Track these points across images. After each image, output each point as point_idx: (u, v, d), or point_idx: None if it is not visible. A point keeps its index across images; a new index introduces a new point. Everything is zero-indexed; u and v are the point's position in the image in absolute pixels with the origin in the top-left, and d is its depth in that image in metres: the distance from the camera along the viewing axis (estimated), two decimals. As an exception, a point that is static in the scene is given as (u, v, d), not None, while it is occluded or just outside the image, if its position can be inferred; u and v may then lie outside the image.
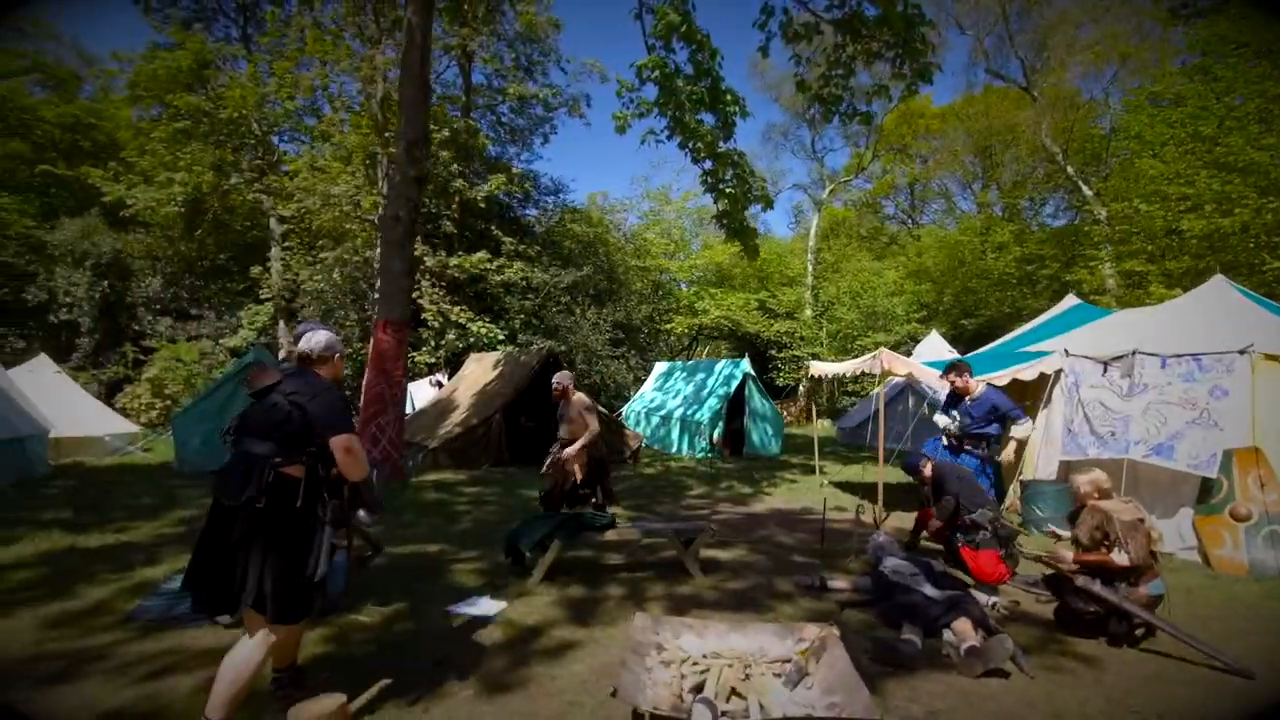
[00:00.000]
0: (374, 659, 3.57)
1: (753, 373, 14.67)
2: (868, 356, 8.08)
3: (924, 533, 5.87)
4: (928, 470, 5.71)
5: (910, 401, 14.91)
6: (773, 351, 25.03)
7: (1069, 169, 21.87)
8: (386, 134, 14.90)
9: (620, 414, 17.52)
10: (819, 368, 9.10)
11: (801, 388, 26.33)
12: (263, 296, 18.78)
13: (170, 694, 3.10)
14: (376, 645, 3.77)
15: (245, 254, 21.65)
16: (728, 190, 9.08)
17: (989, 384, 6.77)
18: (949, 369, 6.74)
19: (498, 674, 3.41)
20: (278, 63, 15.81)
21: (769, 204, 9.68)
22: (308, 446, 2.64)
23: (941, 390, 12.96)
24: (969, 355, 8.98)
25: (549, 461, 6.29)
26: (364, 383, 8.93)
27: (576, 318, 21.73)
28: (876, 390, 18.06)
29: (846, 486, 9.84)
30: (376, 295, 16.77)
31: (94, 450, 11.80)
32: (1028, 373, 7.19)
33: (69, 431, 11.29)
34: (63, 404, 11.53)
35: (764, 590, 4.79)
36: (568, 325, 21.45)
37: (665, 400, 16.79)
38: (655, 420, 16.43)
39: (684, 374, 17.22)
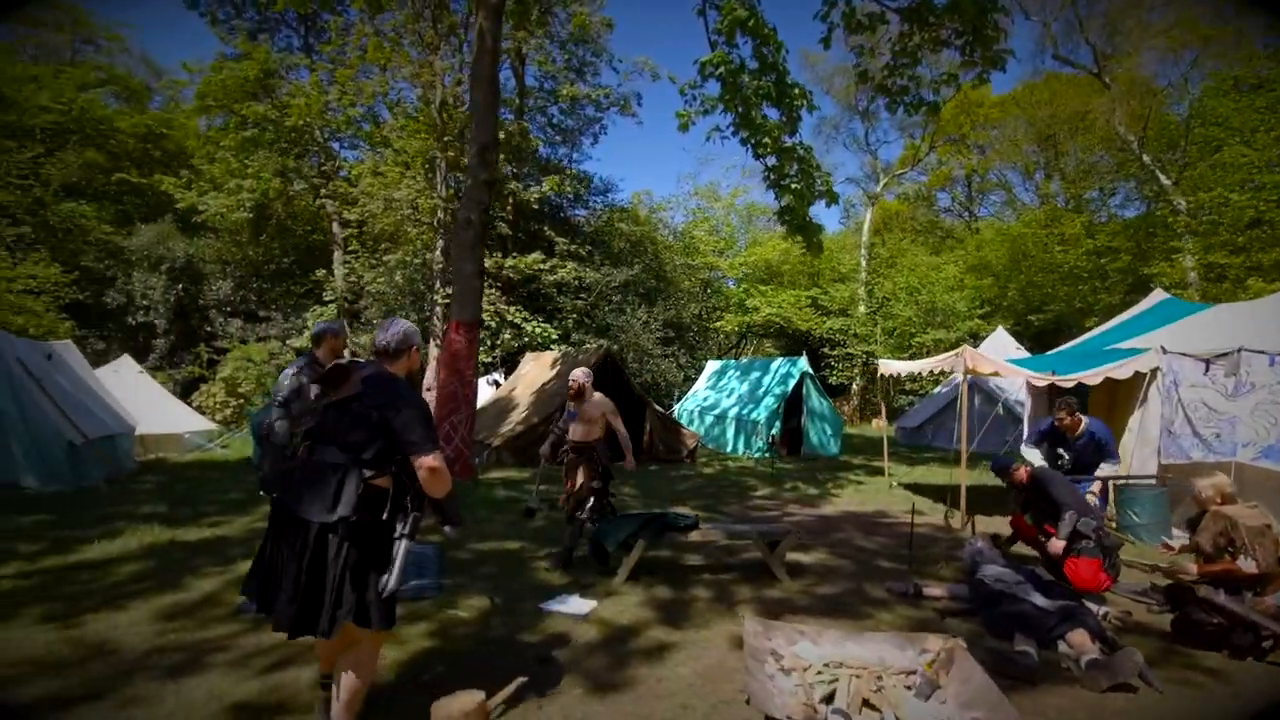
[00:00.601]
0: (479, 655, 3.62)
1: (811, 371, 14.45)
2: (949, 354, 7.84)
3: (1017, 540, 5.66)
4: (1021, 474, 5.48)
5: (976, 400, 14.47)
6: (824, 349, 24.61)
7: (1145, 157, 20.89)
8: (445, 138, 15.18)
9: (672, 412, 17.47)
10: (891, 366, 8.88)
11: (854, 386, 25.86)
12: (326, 298, 19.34)
13: (292, 686, 3.19)
14: (478, 641, 3.83)
15: (307, 257, 22.35)
16: (792, 186, 8.95)
17: (1089, 418, 6.49)
18: (1060, 408, 6.40)
19: (603, 673, 3.41)
20: (340, 70, 16.25)
21: (834, 199, 9.51)
22: (393, 458, 2.53)
23: (1017, 390, 12.59)
24: (1050, 354, 8.64)
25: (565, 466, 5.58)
26: (438, 382, 9.10)
27: (628, 316, 21.81)
28: (939, 389, 17.63)
29: (916, 489, 9.60)
30: (436, 297, 17.26)
31: (175, 447, 12.34)
32: (1122, 371, 6.87)
33: (152, 429, 11.82)
34: (145, 402, 12.08)
35: (856, 596, 4.69)
36: (619, 324, 21.57)
37: (719, 399, 16.69)
38: (709, 419, 16.34)
39: (738, 373, 17.08)
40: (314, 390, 4.40)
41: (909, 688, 2.66)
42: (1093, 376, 6.95)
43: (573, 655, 3.64)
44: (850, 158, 42.45)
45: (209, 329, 20.33)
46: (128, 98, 25.56)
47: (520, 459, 11.54)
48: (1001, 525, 6.97)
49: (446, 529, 2.86)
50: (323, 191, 18.51)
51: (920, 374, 11.15)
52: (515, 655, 3.62)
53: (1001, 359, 8.58)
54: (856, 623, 4.12)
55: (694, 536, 5.03)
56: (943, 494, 8.56)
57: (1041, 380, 7.01)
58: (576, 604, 4.44)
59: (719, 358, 26.83)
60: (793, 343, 27.71)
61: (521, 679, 3.15)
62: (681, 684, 3.30)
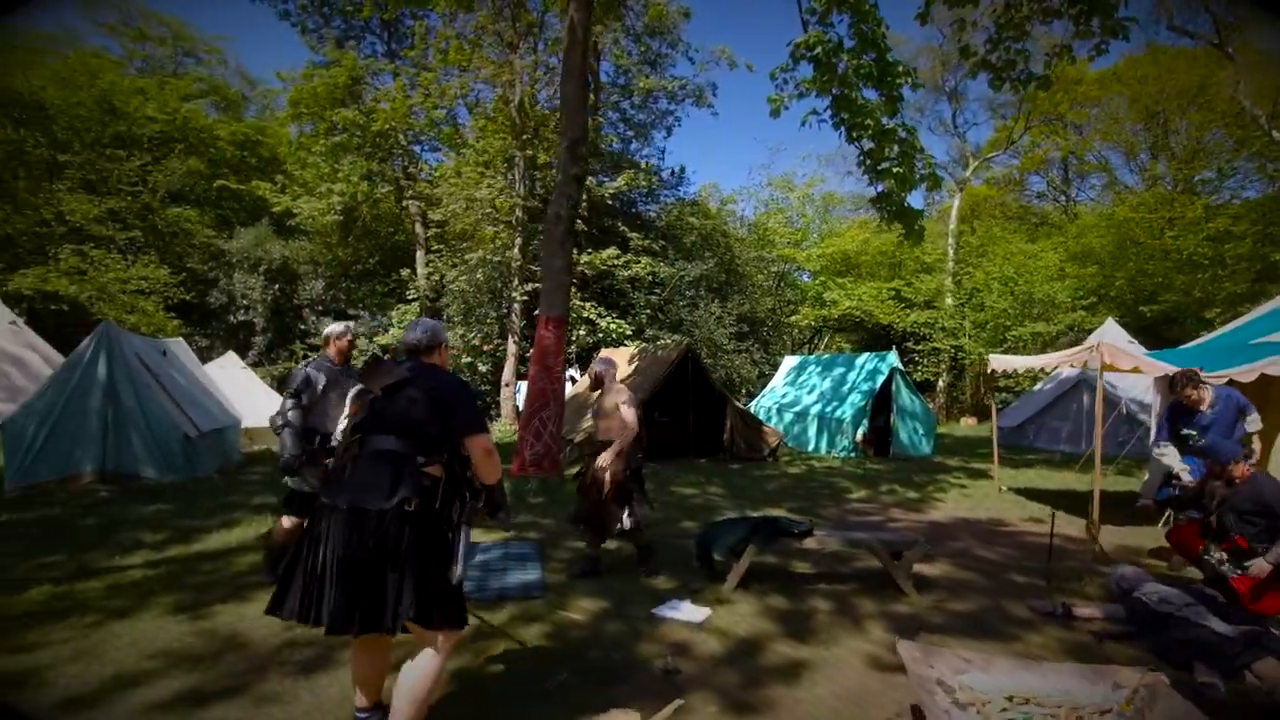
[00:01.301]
0: (601, 663, 3.48)
1: (901, 367, 13.83)
2: (1078, 349, 7.23)
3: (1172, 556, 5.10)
4: (1241, 471, 4.60)
5: (1086, 399, 13.51)
6: (908, 344, 23.63)
7: (1275, 133, 19.02)
8: (524, 136, 15.29)
9: (749, 408, 17.09)
10: (1003, 362, 8.29)
11: (940, 382, 24.76)
12: (409, 296, 19.90)
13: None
14: (596, 646, 3.70)
15: (390, 257, 23.11)
16: (893, 170, 8.47)
17: (1215, 386, 5.81)
18: (1178, 382, 5.75)
19: (735, 691, 3.21)
20: (423, 75, 16.62)
21: (937, 183, 8.98)
22: (445, 445, 2.52)
23: (1141, 389, 11.60)
24: (1189, 347, 7.87)
25: (580, 471, 5.17)
26: (528, 378, 9.13)
27: (701, 311, 21.53)
28: (1040, 386, 16.58)
29: (1029, 494, 8.98)
30: (514, 294, 17.49)
31: (276, 440, 12.92)
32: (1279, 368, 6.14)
33: (255, 422, 12.38)
34: (248, 397, 12.67)
35: (996, 614, 4.32)
36: (692, 319, 21.31)
37: (800, 396, 16.22)
38: (788, 417, 15.91)
39: (819, 368, 16.56)
40: (321, 383, 4.55)
41: (1109, 730, 2.35)
42: (1246, 373, 6.23)
43: (699, 669, 3.45)
44: (936, 141, 40.67)
45: (303, 327, 21.30)
46: (225, 107, 27.07)
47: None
48: (1133, 537, 6.38)
49: (500, 515, 2.73)
50: (407, 193, 19.02)
51: (1040, 370, 10.46)
52: (638, 666, 3.47)
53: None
54: (1006, 646, 3.77)
55: (809, 544, 4.75)
56: (1059, 500, 7.95)
57: (1185, 378, 6.33)
58: (690, 611, 4.26)
59: (794, 353, 26.25)
60: (871, 337, 26.76)
61: (678, 702, 2.96)
62: (823, 707, 3.07)
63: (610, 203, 19.69)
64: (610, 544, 5.47)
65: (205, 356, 15.86)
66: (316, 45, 19.73)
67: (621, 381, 13.22)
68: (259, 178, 23.05)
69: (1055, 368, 7.83)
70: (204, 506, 7.00)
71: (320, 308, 21.86)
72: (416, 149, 21.28)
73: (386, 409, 2.53)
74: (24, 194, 18.72)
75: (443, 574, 2.43)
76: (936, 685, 2.63)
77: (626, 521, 4.85)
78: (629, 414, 4.82)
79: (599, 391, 5.12)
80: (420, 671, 2.44)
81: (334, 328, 4.91)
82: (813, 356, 18.90)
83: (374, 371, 2.66)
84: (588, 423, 12.35)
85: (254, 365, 18.95)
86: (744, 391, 22.02)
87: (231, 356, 13.98)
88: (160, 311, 18.32)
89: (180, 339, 11.28)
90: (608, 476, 4.73)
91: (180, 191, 22.36)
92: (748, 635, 3.91)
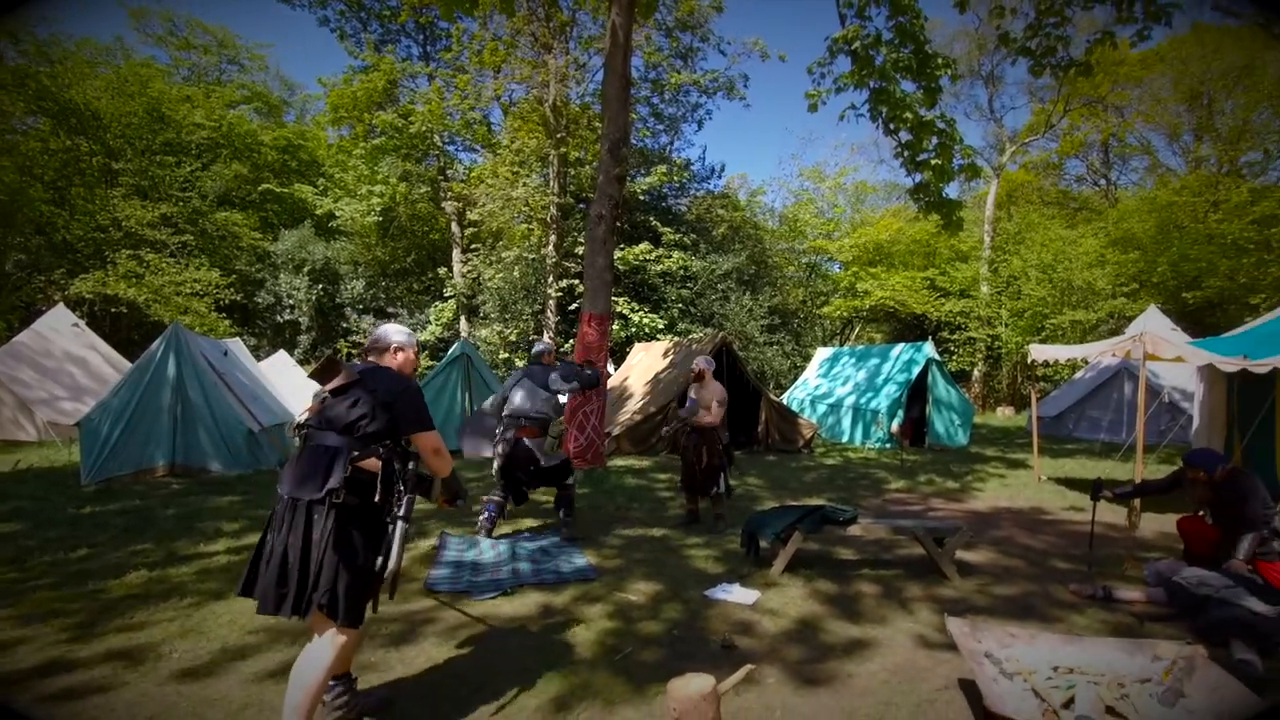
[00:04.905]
0: (665, 639, 3.73)
1: (937, 357, 13.81)
2: (1121, 338, 7.25)
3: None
4: (1221, 473, 4.83)
5: (1127, 388, 13.35)
6: (943, 333, 23.43)
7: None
8: (558, 135, 15.55)
9: (782, 400, 17.19)
10: (1044, 352, 8.30)
11: (976, 372, 24.51)
12: (446, 294, 20.38)
13: (500, 655, 3.43)
14: (659, 623, 3.94)
15: (426, 257, 23.65)
16: (931, 162, 8.53)
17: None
18: None
19: (794, 666, 3.43)
20: (459, 77, 16.98)
21: (975, 173, 9.00)
22: (384, 440, 2.61)
23: (1184, 378, 11.44)
24: (1234, 334, 7.81)
25: (683, 446, 6.44)
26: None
27: (732, 304, 21.63)
28: (1080, 375, 16.38)
29: (1069, 483, 9.00)
30: (549, 290, 17.83)
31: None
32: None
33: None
34: (299, 393, 13.22)
35: (1041, 598, 4.46)
36: (724, 312, 21.43)
37: (833, 388, 16.25)
38: (822, 408, 15.96)
39: (853, 360, 16.57)
40: None
41: (1151, 696, 2.51)
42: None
43: (757, 644, 3.68)
44: (971, 126, 39.84)
45: (345, 325, 21.97)
46: (266, 112, 27.86)
47: (640, 447, 11.74)
48: (1174, 525, 6.42)
49: (459, 504, 2.96)
50: (444, 194, 19.46)
51: (1081, 360, 10.43)
52: (700, 641, 3.71)
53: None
54: (1049, 626, 3.91)
55: (854, 531, 4.93)
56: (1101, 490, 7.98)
57: (1231, 365, 6.35)
58: (741, 593, 4.48)
59: (825, 345, 26.15)
60: (904, 328, 26.54)
61: (749, 666, 3.16)
62: (876, 681, 3.27)
63: (642, 198, 19.87)
64: (657, 531, 5.69)
65: (255, 355, 16.52)
66: (355, 50, 20.22)
67: (656, 375, 13.67)
68: (300, 181, 23.74)
69: (1096, 357, 7.83)
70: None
71: (360, 306, 22.51)
72: (451, 149, 21.75)
73: (334, 408, 2.64)
74: (81, 201, 19.61)
75: (366, 565, 2.53)
76: (984, 658, 2.81)
77: (722, 485, 6.22)
78: (718, 413, 6.23)
79: (699, 384, 6.32)
80: (313, 661, 2.51)
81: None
82: (846, 348, 18.90)
83: (326, 372, 2.76)
84: (625, 415, 12.68)
85: (300, 363, 19.65)
86: (776, 384, 22.08)
87: (282, 355, 14.58)
88: (212, 312, 19.07)
89: (238, 339, 11.82)
90: (705, 452, 6.17)
91: (226, 195, 23.15)
92: (799, 615, 4.11)
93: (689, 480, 6.39)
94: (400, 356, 2.87)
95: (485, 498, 6.59)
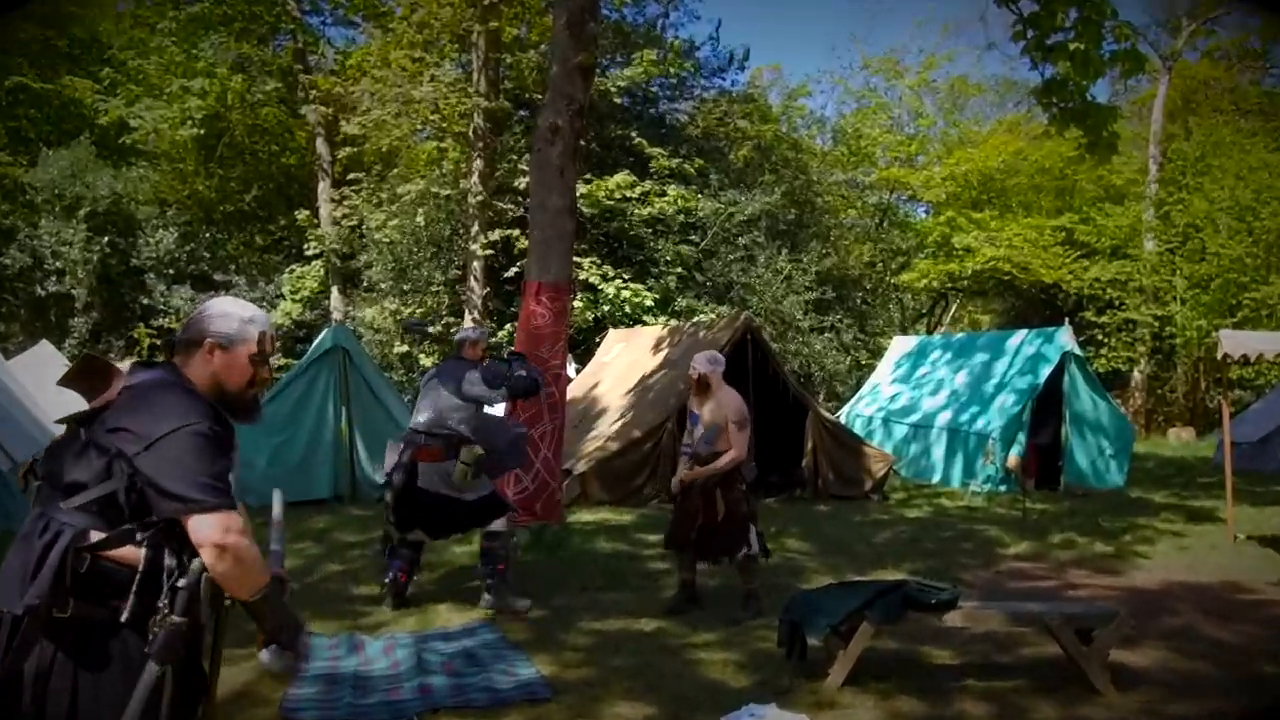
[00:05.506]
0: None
1: (1078, 351, 14.02)
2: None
3: None
4: None
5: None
6: (1087, 314, 23.71)
7: None
8: (485, 1, 15.56)
9: (839, 418, 17.34)
10: (1239, 342, 8.42)
11: (1136, 374, 24.87)
12: (308, 252, 20.25)
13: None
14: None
15: (276, 193, 23.45)
16: (1071, 45, 8.65)
17: None
18: None
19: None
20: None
21: (1138, 65, 9.18)
22: (145, 516, 2.26)
23: None
24: None
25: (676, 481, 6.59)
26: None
27: (761, 269, 21.69)
28: (1278, 373, 16.66)
29: (1275, 542, 9.20)
30: (473, 246, 17.72)
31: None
32: None
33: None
34: (75, 404, 13.07)
35: (1241, 720, 4.58)
36: (747, 281, 21.47)
37: (918, 398, 16.47)
38: (899, 430, 16.16)
39: (948, 355, 16.80)
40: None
41: None
42: None
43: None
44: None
45: (145, 300, 21.68)
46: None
47: (617, 492, 11.78)
48: None
49: (263, 657, 2.57)
50: (307, 93, 19.29)
51: (1271, 356, 10.57)
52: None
53: None
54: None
55: (952, 620, 5.00)
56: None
57: None
58: (779, 717, 4.52)
59: (905, 331, 26.38)
60: (1027, 305, 26.87)
61: None
62: None
63: (620, 101, 19.87)
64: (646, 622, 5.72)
65: (2, 350, 16.26)
66: None
67: (644, 380, 13.72)
68: (74, 73, 23.35)
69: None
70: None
71: (171, 272, 22.20)
72: (315, 22, 21.57)
73: (57, 454, 2.40)
74: None
75: None
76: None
77: (754, 542, 6.20)
78: (739, 441, 6.16)
79: (704, 397, 6.28)
80: None
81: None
82: (937, 336, 19.09)
83: (84, 381, 2.52)
84: (593, 443, 12.70)
85: (74, 359, 19.44)
86: (829, 392, 22.25)
87: (46, 347, 14.42)
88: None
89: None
90: (719, 500, 6.13)
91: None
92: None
93: (681, 533, 6.39)
94: (218, 359, 2.49)
95: (387, 555, 6.61)
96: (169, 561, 2.25)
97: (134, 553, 2.23)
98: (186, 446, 2.25)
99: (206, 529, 2.17)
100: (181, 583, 2.22)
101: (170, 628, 2.20)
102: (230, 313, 2.55)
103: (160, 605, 2.22)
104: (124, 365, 2.53)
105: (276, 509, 2.83)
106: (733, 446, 6.13)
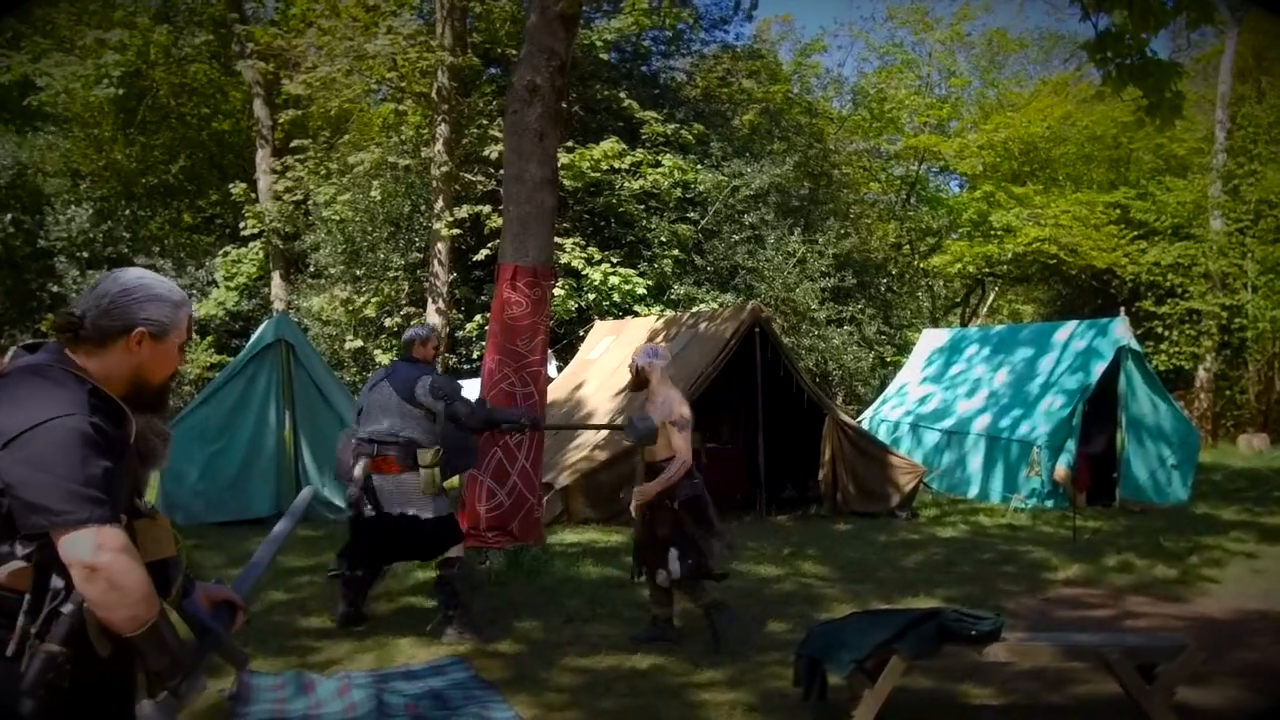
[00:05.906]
0: None
1: (1135, 346, 14.05)
2: None
3: None
4: None
5: None
6: (1145, 304, 23.77)
7: None
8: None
9: (860, 423, 17.37)
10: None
11: (1202, 372, 24.95)
12: (244, 232, 20.18)
13: None
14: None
15: (207, 164, 23.35)
16: (1127, -11, 8.67)
17: None
18: None
19: None
20: None
21: (1205, 16, 9.15)
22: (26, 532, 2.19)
23: None
24: None
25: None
26: (482, 374, 9.36)
27: (770, 252, 21.71)
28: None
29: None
30: (438, 225, 17.66)
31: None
32: None
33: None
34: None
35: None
36: (754, 266, 21.50)
37: (950, 400, 16.51)
38: (930, 437, 16.17)
39: (986, 350, 16.86)
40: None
41: None
42: None
43: None
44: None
45: (55, 288, 21.57)
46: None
47: (604, 508, 11.76)
48: None
49: (143, 709, 2.36)
50: (244, 48, 19.21)
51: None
52: None
53: None
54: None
55: (994, 653, 5.01)
56: None
57: None
58: (796, 769, 4.54)
59: (937, 322, 26.41)
60: (1076, 293, 26.97)
61: None
62: None
63: (607, 57, 19.83)
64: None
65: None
66: None
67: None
68: (-32, 23, 23.26)
69: None
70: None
71: (85, 255, 22.06)
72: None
73: None
74: None
75: None
76: None
77: (674, 567, 6.04)
78: (679, 442, 6.04)
79: (644, 394, 6.21)
80: None
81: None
82: (973, 329, 19.15)
83: None
84: (577, 454, 12.69)
85: (-29, 353, 19.34)
86: (849, 394, 22.27)
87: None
88: None
89: None
90: (634, 506, 6.22)
91: None
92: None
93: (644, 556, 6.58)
94: (147, 349, 2.40)
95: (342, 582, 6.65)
96: (56, 583, 2.18)
97: (19, 577, 2.17)
98: (55, 444, 2.13)
99: (75, 547, 2.07)
100: (66, 608, 2.15)
101: (44, 657, 2.12)
102: (162, 295, 2.40)
103: (31, 631, 2.14)
104: (8, 355, 2.41)
105: (282, 527, 2.83)
106: (675, 452, 6.10)
